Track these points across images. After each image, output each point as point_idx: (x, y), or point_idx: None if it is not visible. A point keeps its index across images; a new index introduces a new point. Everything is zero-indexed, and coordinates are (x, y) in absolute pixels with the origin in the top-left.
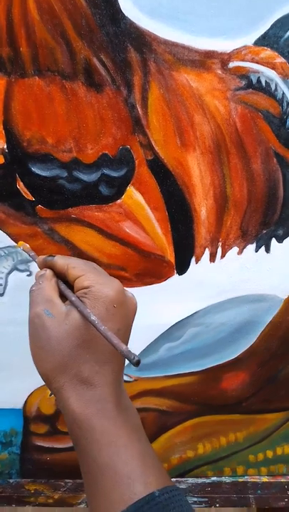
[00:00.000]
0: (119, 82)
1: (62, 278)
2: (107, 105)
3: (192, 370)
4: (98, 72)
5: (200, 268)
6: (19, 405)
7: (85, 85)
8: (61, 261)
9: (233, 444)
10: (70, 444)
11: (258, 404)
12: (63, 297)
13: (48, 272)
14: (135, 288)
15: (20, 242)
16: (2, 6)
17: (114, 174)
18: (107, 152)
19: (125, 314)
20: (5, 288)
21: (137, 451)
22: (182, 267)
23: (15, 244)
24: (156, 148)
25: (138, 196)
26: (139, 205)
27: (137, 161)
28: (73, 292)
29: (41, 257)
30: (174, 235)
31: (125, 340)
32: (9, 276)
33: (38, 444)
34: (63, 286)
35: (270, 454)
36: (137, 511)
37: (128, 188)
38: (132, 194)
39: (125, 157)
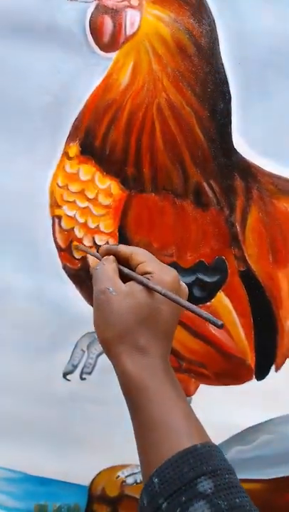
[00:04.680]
0: (223, 204)
1: (124, 265)
2: (210, 221)
3: (260, 478)
4: (206, 194)
5: (279, 376)
6: (86, 482)
7: (193, 204)
8: (125, 248)
9: None
10: None
11: None
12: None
13: (111, 257)
14: (213, 386)
15: (75, 243)
16: (135, 132)
17: (208, 279)
18: (203, 260)
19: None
20: (93, 368)
21: (183, 410)
22: (261, 373)
23: None
24: (249, 261)
25: (227, 301)
26: (227, 310)
27: (230, 271)
28: None
29: (104, 246)
30: (257, 342)
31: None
32: (99, 358)
33: None
34: (127, 270)
35: None
36: (182, 459)
37: (219, 293)
38: (222, 299)
39: (220, 266)
